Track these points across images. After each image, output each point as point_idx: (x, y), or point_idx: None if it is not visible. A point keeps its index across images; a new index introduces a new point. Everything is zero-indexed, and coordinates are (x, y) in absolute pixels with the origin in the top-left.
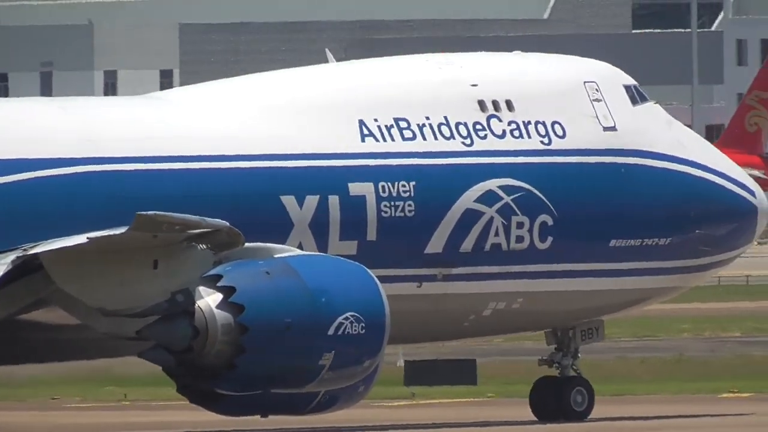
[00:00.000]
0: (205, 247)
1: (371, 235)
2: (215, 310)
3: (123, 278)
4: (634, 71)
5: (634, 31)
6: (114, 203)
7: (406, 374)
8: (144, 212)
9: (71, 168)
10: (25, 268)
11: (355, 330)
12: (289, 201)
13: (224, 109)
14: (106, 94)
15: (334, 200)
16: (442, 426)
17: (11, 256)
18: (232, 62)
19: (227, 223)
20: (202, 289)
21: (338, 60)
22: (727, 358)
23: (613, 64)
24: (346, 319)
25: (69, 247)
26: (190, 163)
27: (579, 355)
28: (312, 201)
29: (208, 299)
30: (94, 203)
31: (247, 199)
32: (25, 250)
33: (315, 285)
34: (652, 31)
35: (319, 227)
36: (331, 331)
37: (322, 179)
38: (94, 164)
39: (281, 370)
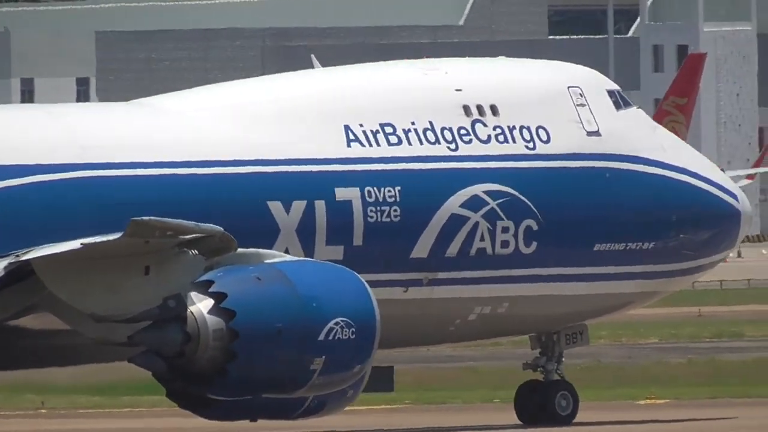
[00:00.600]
0: (196, 252)
1: (357, 240)
2: (207, 316)
3: (114, 284)
4: None
5: (550, 37)
6: (102, 209)
7: None
8: (138, 218)
9: (59, 174)
10: (17, 274)
11: (346, 335)
12: (275, 206)
13: (211, 116)
14: (22, 101)
15: (320, 205)
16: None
17: (3, 263)
18: (148, 70)
19: (221, 229)
20: (193, 294)
21: (255, 68)
22: (644, 364)
23: None
24: (337, 324)
25: (62, 253)
26: (177, 169)
27: (563, 359)
28: (299, 206)
29: (200, 305)
30: (82, 209)
31: (235, 204)
32: (17, 256)
33: (306, 290)
34: (568, 37)
35: (305, 232)
36: (321, 337)
37: (309, 185)
38: (82, 170)
39: (272, 375)
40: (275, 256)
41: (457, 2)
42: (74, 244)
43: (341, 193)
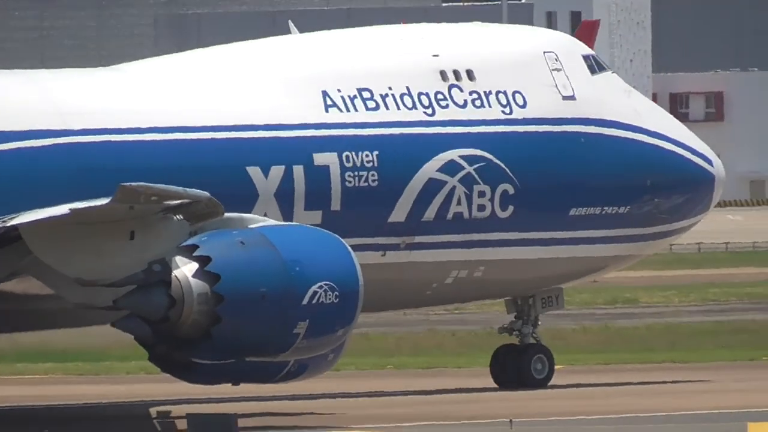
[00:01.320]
0: (181, 217)
1: (335, 204)
2: (191, 280)
3: (100, 249)
4: None
5: (444, 5)
6: (82, 175)
7: None
8: (127, 183)
9: (39, 140)
10: (2, 239)
11: (329, 299)
12: (254, 171)
13: (189, 82)
14: None
15: (298, 170)
16: None
17: None
18: (38, 38)
19: (208, 194)
20: (178, 258)
21: (148, 36)
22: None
23: None
24: (321, 288)
25: (49, 218)
26: (156, 135)
27: (539, 323)
28: (277, 171)
29: (185, 269)
30: (63, 175)
31: (214, 170)
32: (3, 221)
33: (289, 255)
34: (461, 3)
35: (284, 197)
36: (305, 301)
37: (287, 150)
38: (62, 137)
39: (256, 338)
40: (259, 221)
41: None
42: (62, 210)
43: (319, 159)
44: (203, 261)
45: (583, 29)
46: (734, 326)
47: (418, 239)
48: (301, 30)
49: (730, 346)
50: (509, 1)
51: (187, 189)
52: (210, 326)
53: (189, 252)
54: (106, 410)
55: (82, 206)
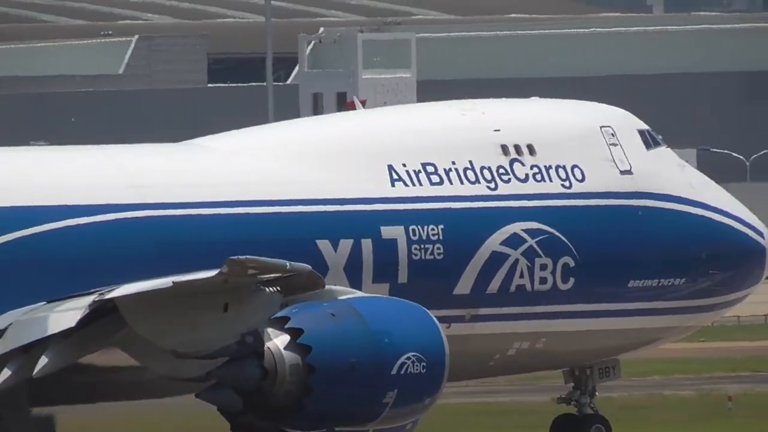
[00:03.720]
0: (273, 290)
1: (402, 277)
2: (284, 352)
3: (195, 321)
4: (210, 125)
5: (209, 86)
6: (160, 248)
7: None
8: (235, 257)
9: (119, 214)
10: (97, 311)
11: (417, 369)
12: (324, 245)
13: (261, 156)
14: None
15: (367, 244)
16: None
17: (87, 300)
18: None
19: (309, 267)
20: (270, 330)
21: None
22: None
23: (189, 119)
24: (408, 359)
25: (151, 291)
26: (230, 209)
27: (596, 393)
28: (346, 245)
29: (277, 341)
30: (139, 248)
31: (286, 243)
32: (101, 293)
33: (377, 326)
34: (227, 85)
35: (353, 270)
36: (394, 371)
37: (356, 223)
38: (140, 210)
39: (347, 408)
40: (347, 292)
41: (117, 51)
42: (165, 282)
43: (387, 232)
44: (295, 333)
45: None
46: None
47: (482, 311)
48: None
49: None
50: (275, 83)
51: (291, 262)
52: (302, 397)
53: (281, 324)
54: None
55: (186, 279)
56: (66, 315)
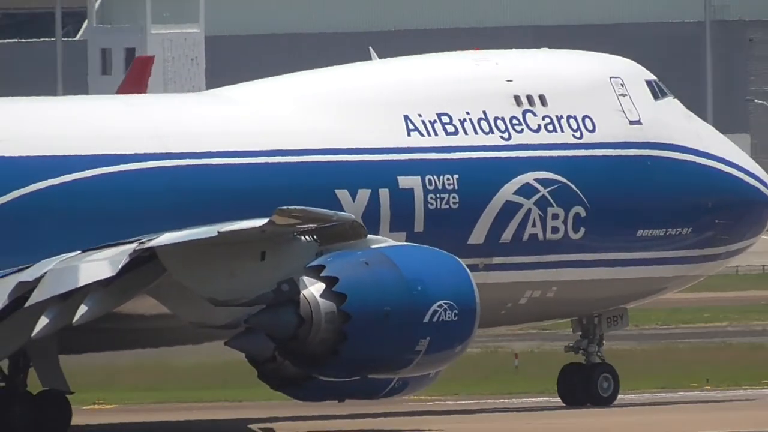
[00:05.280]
0: (309, 238)
1: (418, 226)
2: (319, 299)
3: (234, 270)
4: None
5: (2, 41)
6: (182, 197)
7: None
8: (284, 207)
9: (142, 163)
10: (135, 260)
11: (449, 317)
12: (343, 194)
13: (280, 107)
14: None
15: (384, 193)
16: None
17: (127, 248)
18: None
19: (354, 217)
20: (306, 279)
21: None
22: None
23: None
24: (440, 306)
25: (196, 240)
26: (249, 158)
27: (603, 342)
28: (364, 194)
29: (312, 289)
30: (168, 197)
31: (305, 192)
32: (141, 242)
33: (411, 274)
34: (16, 40)
35: (370, 219)
36: (426, 318)
37: (373, 173)
38: (163, 160)
39: (381, 355)
40: (380, 241)
41: None
42: (209, 231)
43: (404, 182)
44: (330, 281)
45: (137, 66)
46: None
47: (495, 260)
48: None
49: None
50: (64, 39)
51: (337, 212)
52: (337, 344)
53: (316, 272)
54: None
55: (231, 228)
56: (104, 264)
